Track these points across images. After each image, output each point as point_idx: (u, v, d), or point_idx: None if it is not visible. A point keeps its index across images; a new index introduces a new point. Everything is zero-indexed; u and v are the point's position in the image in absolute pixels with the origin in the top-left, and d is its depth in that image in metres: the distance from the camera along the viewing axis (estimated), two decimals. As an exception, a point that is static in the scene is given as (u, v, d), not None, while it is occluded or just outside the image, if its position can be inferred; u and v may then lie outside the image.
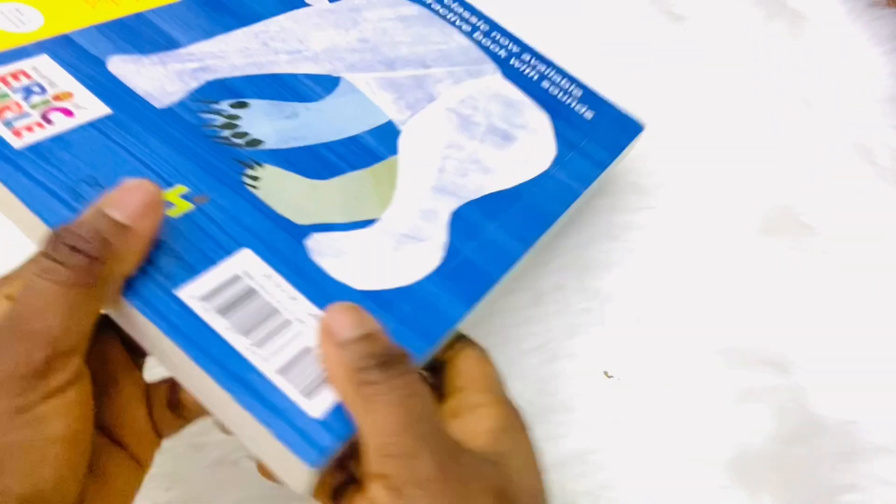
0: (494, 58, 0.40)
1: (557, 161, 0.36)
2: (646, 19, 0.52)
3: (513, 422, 0.24)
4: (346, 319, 0.22)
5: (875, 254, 0.40)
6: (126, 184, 0.23)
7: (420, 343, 0.25)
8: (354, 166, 0.31)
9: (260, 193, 0.28)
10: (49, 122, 0.26)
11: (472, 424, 0.23)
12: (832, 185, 0.42)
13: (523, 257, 0.31)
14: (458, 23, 0.42)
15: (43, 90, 0.27)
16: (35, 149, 0.25)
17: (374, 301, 0.26)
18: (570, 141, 0.37)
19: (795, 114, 0.46)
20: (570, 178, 0.35)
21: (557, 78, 0.41)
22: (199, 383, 0.22)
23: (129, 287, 0.23)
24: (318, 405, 0.22)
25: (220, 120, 0.30)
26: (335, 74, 0.35)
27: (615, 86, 0.45)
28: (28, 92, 0.27)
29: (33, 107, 0.26)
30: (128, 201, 0.22)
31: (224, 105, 0.30)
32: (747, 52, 0.49)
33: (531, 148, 0.36)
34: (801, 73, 0.47)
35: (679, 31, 0.51)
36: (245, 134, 0.30)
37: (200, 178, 0.27)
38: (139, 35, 0.31)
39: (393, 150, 0.32)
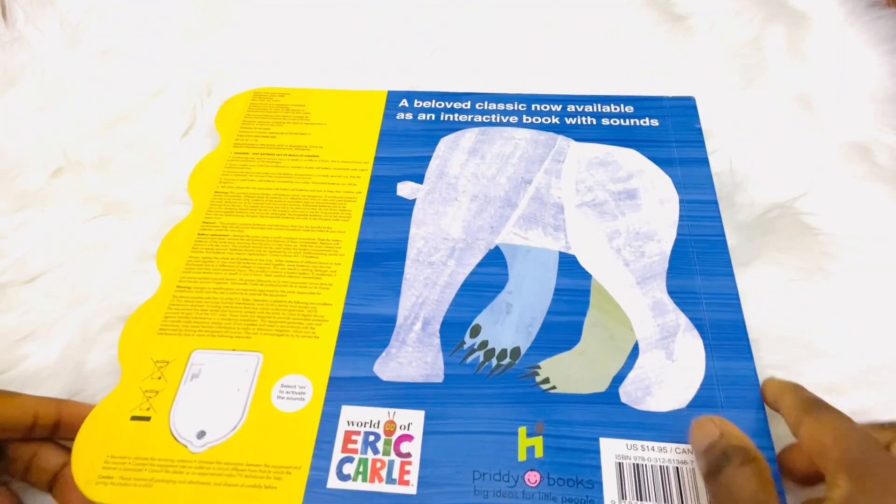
0: (554, 128, 0.45)
1: (676, 184, 0.41)
2: (646, 19, 0.54)
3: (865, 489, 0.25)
4: (696, 434, 0.30)
5: (875, 254, 0.40)
6: None
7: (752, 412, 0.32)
8: (581, 312, 0.37)
9: (559, 389, 0.34)
10: (401, 454, 0.32)
11: None
12: (832, 185, 0.43)
13: (735, 275, 0.37)
14: (503, 119, 0.46)
15: (377, 436, 0.32)
16: (422, 482, 0.31)
17: (697, 406, 0.33)
18: (666, 159, 0.43)
19: (795, 114, 0.46)
20: (696, 191, 0.41)
21: (608, 108, 0.46)
22: None
23: None
24: None
25: (480, 354, 0.35)
26: (490, 246, 0.40)
27: (615, 86, 0.49)
28: (371, 446, 0.32)
29: (385, 453, 0.32)
30: None
31: (468, 340, 0.36)
32: (747, 51, 0.50)
33: (654, 189, 0.41)
34: (801, 73, 0.47)
35: (679, 30, 0.52)
36: (504, 351, 0.35)
37: (521, 412, 0.33)
38: (362, 335, 0.36)
39: (584, 274, 0.38)
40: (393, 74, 0.51)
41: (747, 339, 0.35)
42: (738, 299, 0.37)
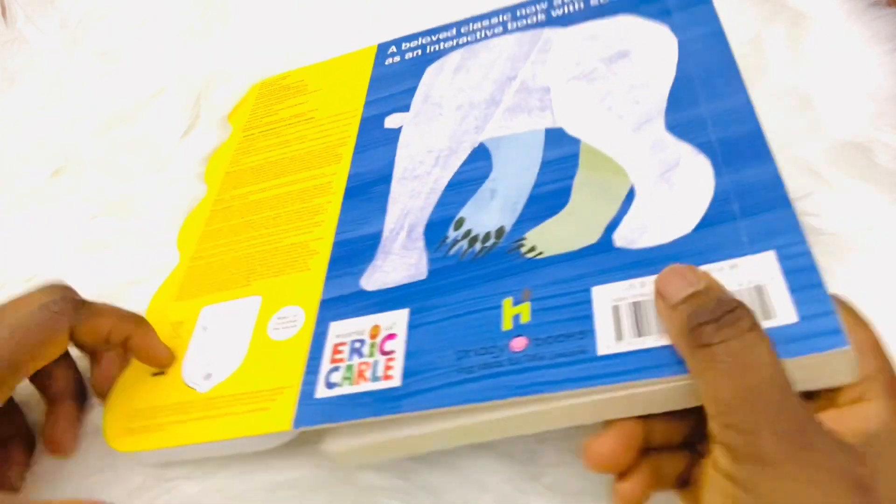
0: (541, 24, 0.42)
1: (674, 28, 0.37)
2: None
3: None
4: (675, 280, 0.24)
5: (876, 253, 0.38)
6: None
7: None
8: (570, 176, 0.33)
9: (546, 253, 0.30)
10: (385, 352, 0.30)
11: (845, 420, 0.21)
12: (832, 185, 0.41)
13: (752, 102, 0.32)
14: (488, 34, 0.44)
15: (363, 342, 0.31)
16: (406, 373, 0.29)
17: (706, 226, 0.28)
18: (661, 10, 0.38)
19: (795, 114, 0.45)
20: (698, 27, 0.36)
21: None
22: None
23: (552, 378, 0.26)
24: None
25: (464, 243, 0.33)
26: (475, 145, 0.37)
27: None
28: (356, 352, 0.31)
29: (370, 355, 0.30)
30: None
31: (452, 233, 0.34)
32: (747, 51, 0.48)
33: (647, 40, 0.37)
34: (801, 73, 0.46)
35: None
36: (487, 235, 0.33)
37: (506, 285, 0.30)
38: (350, 257, 0.35)
39: (574, 141, 0.35)
40: (389, 34, 0.51)
41: (765, 143, 0.30)
42: (753, 110, 0.31)
